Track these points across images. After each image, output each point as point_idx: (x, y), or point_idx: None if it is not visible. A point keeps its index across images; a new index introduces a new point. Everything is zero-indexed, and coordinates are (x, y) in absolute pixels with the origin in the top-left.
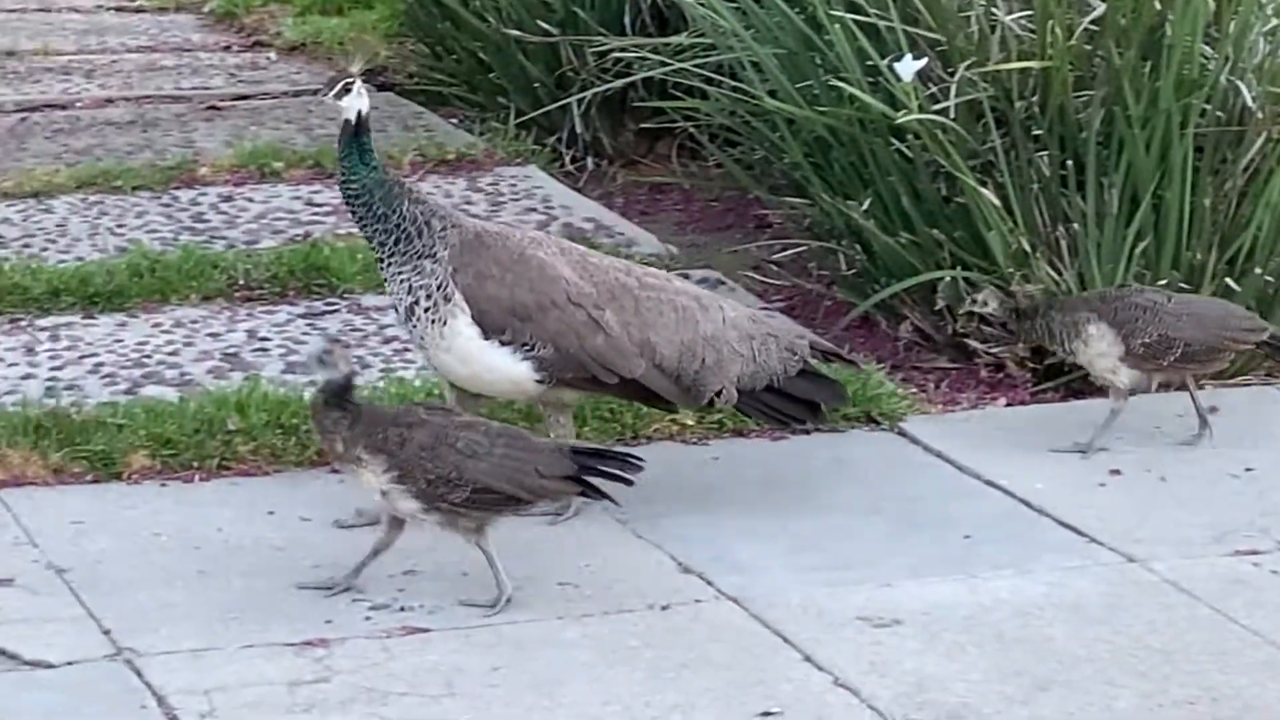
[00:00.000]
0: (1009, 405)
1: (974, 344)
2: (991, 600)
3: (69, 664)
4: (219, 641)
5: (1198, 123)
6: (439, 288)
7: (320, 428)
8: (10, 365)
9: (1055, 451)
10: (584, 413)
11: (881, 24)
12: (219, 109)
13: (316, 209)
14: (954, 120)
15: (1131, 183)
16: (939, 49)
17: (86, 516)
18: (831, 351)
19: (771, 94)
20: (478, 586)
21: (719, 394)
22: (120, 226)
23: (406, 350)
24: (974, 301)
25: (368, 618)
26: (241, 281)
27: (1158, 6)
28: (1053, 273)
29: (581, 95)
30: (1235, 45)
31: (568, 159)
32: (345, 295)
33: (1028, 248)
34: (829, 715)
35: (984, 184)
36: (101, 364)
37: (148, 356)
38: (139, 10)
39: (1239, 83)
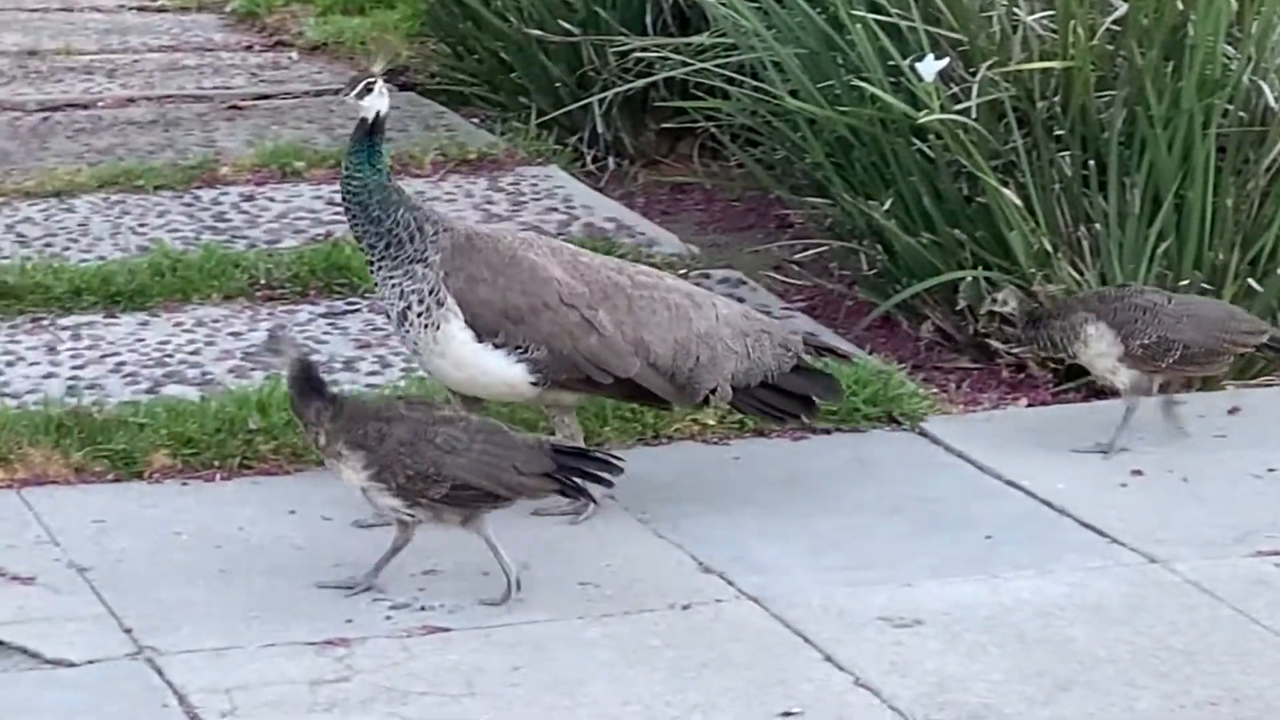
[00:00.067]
0: (1030, 405)
1: (995, 344)
2: (1013, 600)
3: (90, 662)
4: (240, 640)
5: (1220, 123)
6: (431, 292)
7: (302, 420)
8: (32, 364)
9: (1077, 452)
10: (605, 413)
11: (903, 24)
12: (241, 108)
13: (338, 209)
14: (976, 120)
15: (1154, 183)
16: (961, 49)
17: (108, 515)
18: (825, 346)
19: (793, 94)
20: (498, 586)
21: (714, 391)
22: (142, 226)
23: None
24: (994, 301)
25: (388, 617)
26: (263, 281)
27: (1180, 6)
28: (1074, 273)
29: (603, 95)
30: (1258, 45)
31: (589, 159)
32: (366, 295)
33: (1049, 248)
34: (850, 715)
35: (1006, 184)
36: (123, 363)
37: (169, 356)
38: (161, 10)
39: (1261, 83)
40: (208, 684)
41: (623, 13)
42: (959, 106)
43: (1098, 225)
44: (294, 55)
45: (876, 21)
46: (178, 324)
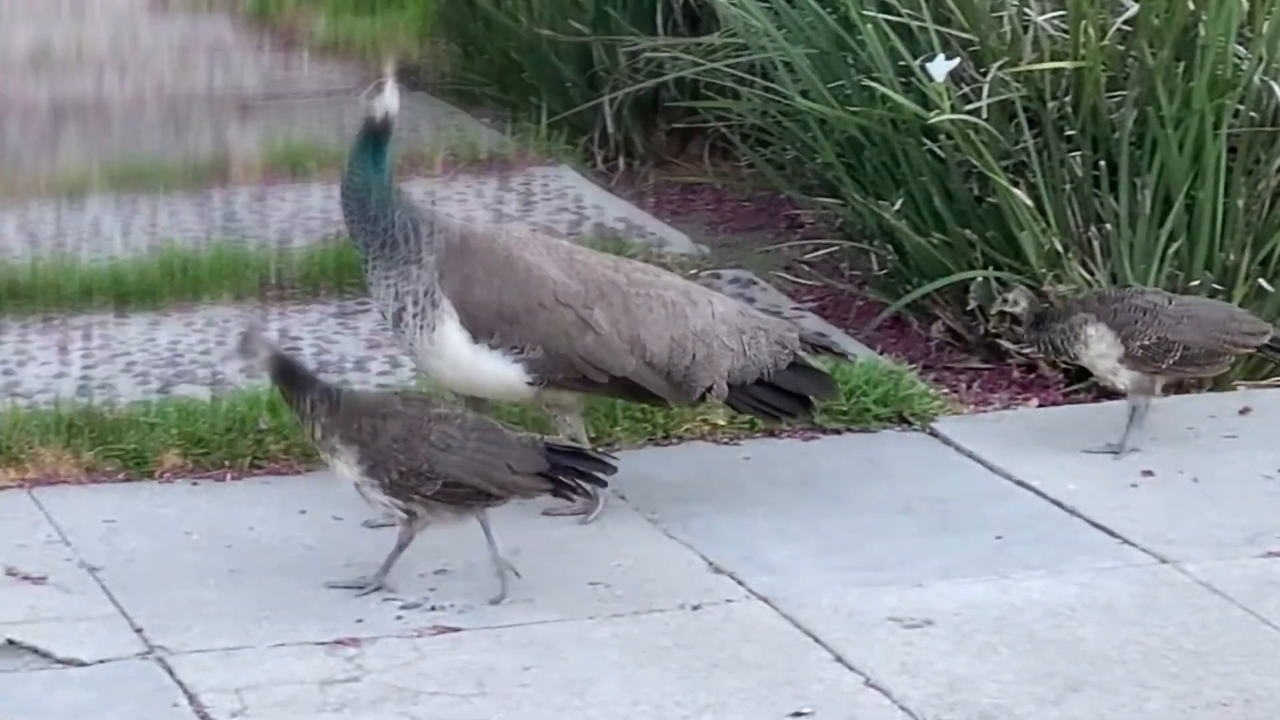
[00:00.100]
0: (1041, 406)
1: (1006, 344)
2: (1023, 601)
3: (101, 662)
4: (250, 640)
5: (1231, 123)
6: (426, 293)
7: (297, 412)
8: (43, 364)
9: (1087, 452)
10: (615, 413)
11: (914, 24)
12: (251, 108)
13: None
14: (986, 120)
15: (1164, 183)
16: (971, 49)
17: (118, 515)
18: (821, 344)
19: (803, 94)
20: (510, 586)
21: (710, 389)
22: (152, 225)
23: None
24: (1005, 301)
25: (399, 617)
26: (273, 280)
27: (1191, 6)
28: (1085, 274)
29: (613, 95)
30: (1269, 45)
31: (599, 159)
32: None
33: (1060, 248)
34: (860, 716)
35: (1016, 184)
36: (134, 363)
37: (180, 355)
38: (173, 10)
39: (1273, 83)
40: (218, 684)
41: (633, 13)
42: (970, 107)
43: (1109, 226)
44: (305, 55)
45: (887, 21)
46: (188, 324)
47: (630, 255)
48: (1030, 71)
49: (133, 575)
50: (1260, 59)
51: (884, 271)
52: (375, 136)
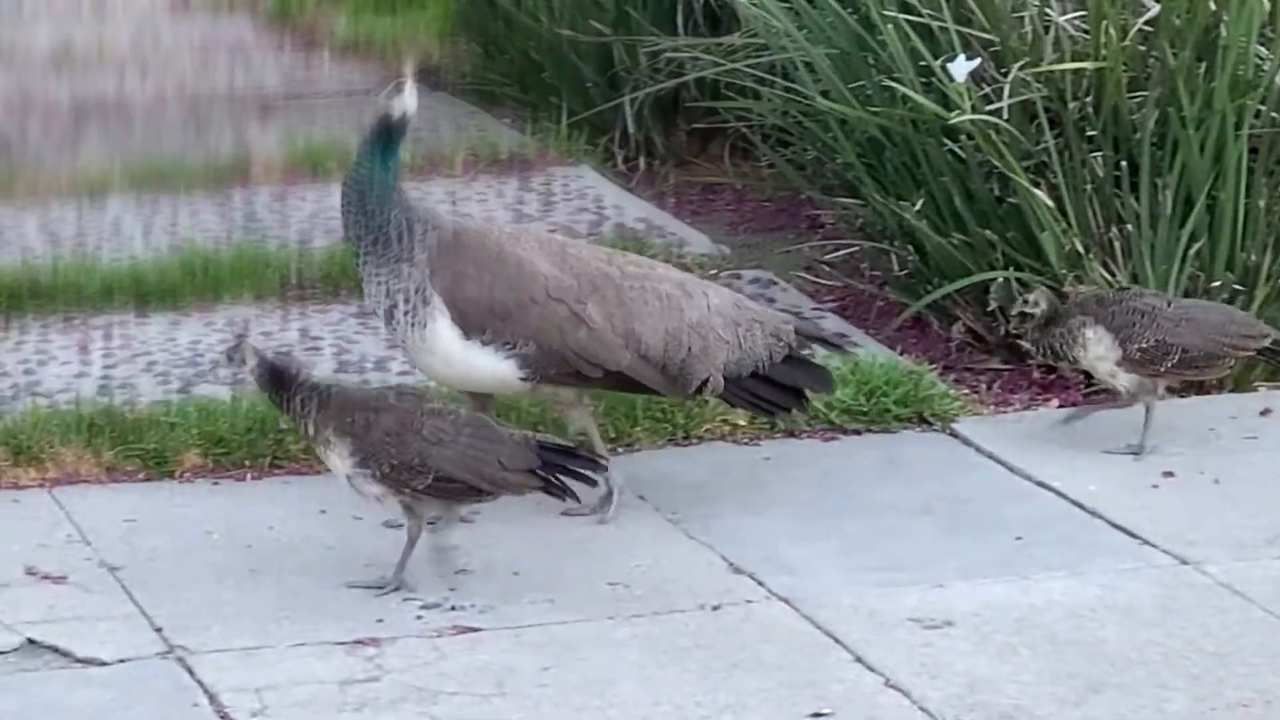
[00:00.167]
0: (1062, 406)
1: (1026, 345)
2: (1044, 602)
3: (121, 661)
4: (270, 640)
5: (1252, 124)
6: (417, 291)
7: (288, 414)
8: (64, 363)
9: (1108, 453)
10: (635, 413)
11: (934, 24)
12: (272, 108)
13: None
14: (1007, 121)
15: (1186, 184)
16: (992, 49)
17: (139, 514)
18: (818, 336)
19: (824, 94)
20: (530, 586)
21: (706, 382)
22: (173, 225)
23: None
24: (1025, 302)
25: (419, 617)
26: (294, 280)
27: (1213, 7)
28: (1106, 274)
29: (634, 95)
30: None
31: (620, 159)
32: None
33: (1081, 249)
34: (880, 716)
35: (1037, 185)
36: (154, 362)
37: (200, 355)
38: (194, 10)
39: None
40: (238, 683)
41: (654, 13)
42: (990, 107)
43: (1129, 226)
44: (325, 55)
45: (908, 22)
46: (209, 323)
47: (650, 255)
48: (1051, 72)
49: (153, 575)
50: None
51: (904, 272)
52: (388, 134)
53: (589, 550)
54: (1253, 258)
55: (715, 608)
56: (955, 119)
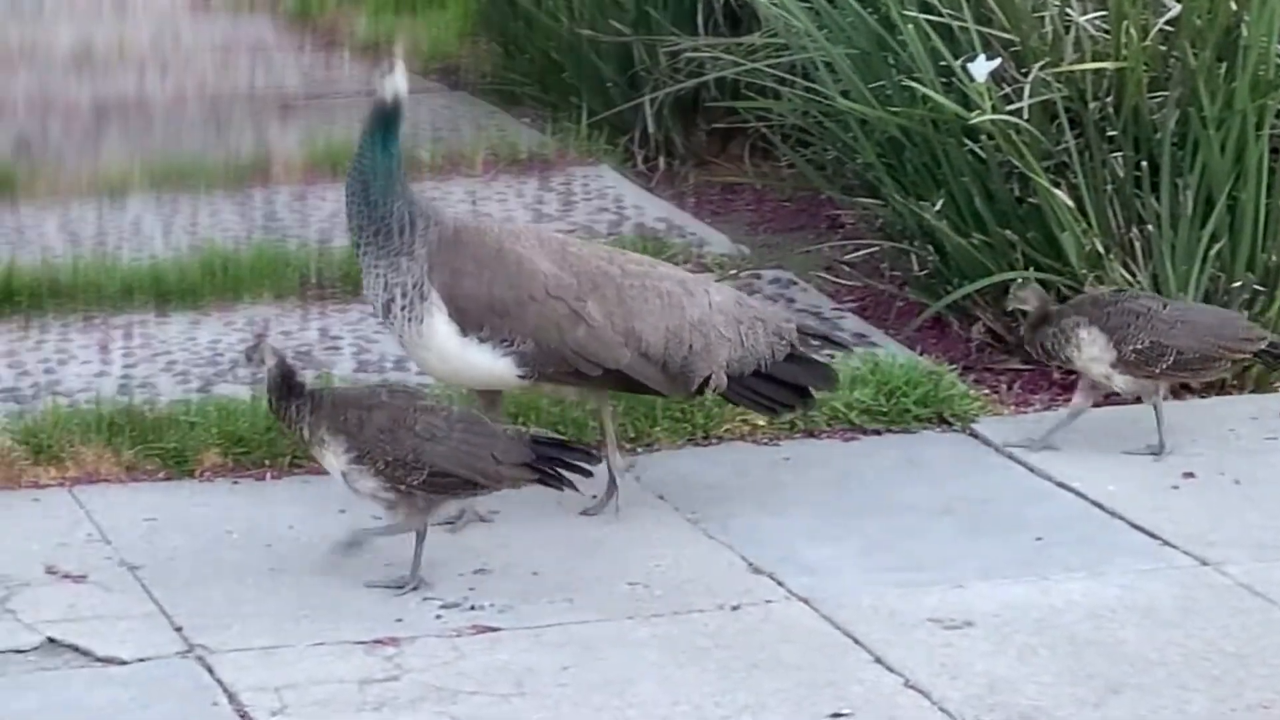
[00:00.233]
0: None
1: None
2: (1063, 602)
3: (141, 660)
4: (290, 639)
5: (1273, 124)
6: (415, 285)
7: (284, 421)
8: (84, 363)
9: (1128, 453)
10: (655, 413)
11: (955, 24)
12: (292, 108)
13: None
14: (1027, 121)
15: (1206, 184)
16: (1013, 49)
17: (159, 514)
18: (821, 334)
19: (844, 94)
20: (549, 586)
21: (708, 380)
22: (193, 225)
23: None
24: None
25: (438, 616)
26: (314, 280)
27: (1233, 7)
28: (1126, 274)
29: (654, 95)
30: None
31: (640, 159)
32: None
33: (1101, 249)
34: (900, 717)
35: (1057, 185)
36: (174, 362)
37: (220, 354)
38: (214, 9)
39: None
40: (257, 682)
41: (674, 13)
42: (1011, 107)
43: (1150, 226)
44: (345, 55)
45: (928, 21)
46: (228, 323)
47: (670, 255)
48: (1072, 72)
49: (172, 574)
50: None
51: (924, 272)
52: (385, 119)
53: (608, 550)
54: (1274, 258)
55: (735, 608)
56: (975, 119)
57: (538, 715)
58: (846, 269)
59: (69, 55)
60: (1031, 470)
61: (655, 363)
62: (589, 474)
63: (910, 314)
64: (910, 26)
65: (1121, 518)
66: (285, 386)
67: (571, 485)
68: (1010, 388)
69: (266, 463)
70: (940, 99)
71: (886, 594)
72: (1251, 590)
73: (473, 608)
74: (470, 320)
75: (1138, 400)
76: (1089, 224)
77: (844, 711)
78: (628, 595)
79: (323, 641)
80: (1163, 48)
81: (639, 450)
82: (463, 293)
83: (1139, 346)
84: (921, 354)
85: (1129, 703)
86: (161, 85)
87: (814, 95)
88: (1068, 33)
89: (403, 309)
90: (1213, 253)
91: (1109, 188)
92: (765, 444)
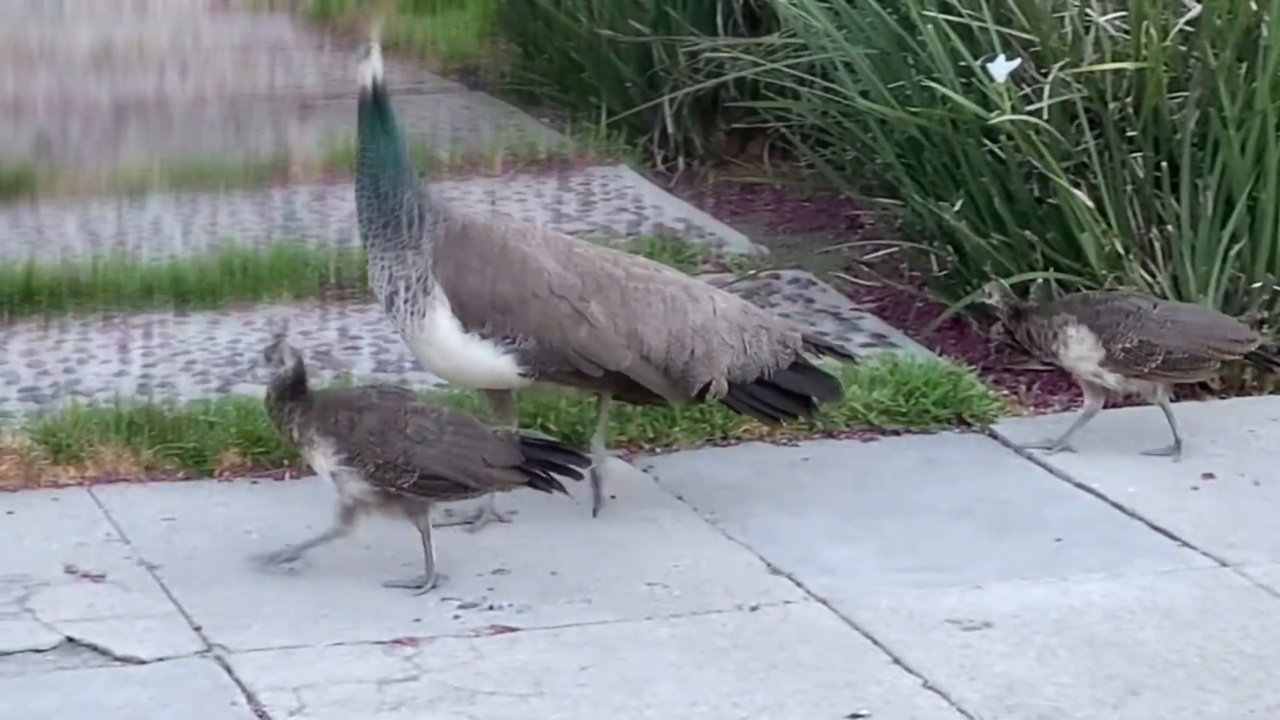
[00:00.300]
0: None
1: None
2: (1082, 603)
3: (159, 660)
4: (309, 639)
5: None
6: (419, 279)
7: (275, 420)
8: (104, 362)
9: (1147, 454)
10: (674, 413)
11: (974, 24)
12: (312, 108)
13: None
14: (1047, 121)
15: (1226, 184)
16: (1032, 50)
17: (178, 513)
18: (826, 345)
19: (863, 94)
20: (568, 586)
21: (708, 386)
22: (213, 224)
23: None
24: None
25: (456, 616)
26: (333, 280)
27: (1254, 7)
28: (1146, 275)
29: (673, 95)
30: None
31: (659, 159)
32: None
33: (1121, 250)
34: (918, 718)
35: (1077, 185)
36: (193, 361)
37: (239, 354)
38: (234, 9)
39: None
40: (276, 682)
41: (693, 13)
42: (1030, 107)
43: (1170, 227)
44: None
45: (948, 22)
46: (248, 323)
47: (689, 255)
48: (1091, 72)
49: (191, 573)
50: None
51: (944, 272)
52: (375, 105)
53: (626, 550)
54: None
55: (753, 608)
56: (995, 119)
57: (556, 715)
58: (866, 269)
59: (89, 55)
60: (1050, 471)
61: (656, 366)
62: (579, 476)
63: (929, 314)
64: (930, 27)
65: (1141, 519)
66: (292, 389)
67: (561, 488)
68: (1029, 388)
69: (286, 463)
70: (960, 99)
71: (905, 595)
72: (1271, 591)
73: (491, 608)
74: (472, 316)
75: (1146, 401)
76: (1109, 224)
77: (862, 712)
78: (646, 595)
79: (341, 641)
80: (1183, 48)
81: (657, 450)
82: (466, 288)
83: (1128, 345)
84: (941, 354)
85: (1148, 704)
86: (181, 85)
87: (833, 95)
88: (1087, 33)
89: (406, 302)
90: (1233, 253)
91: (1129, 188)
92: (784, 444)
